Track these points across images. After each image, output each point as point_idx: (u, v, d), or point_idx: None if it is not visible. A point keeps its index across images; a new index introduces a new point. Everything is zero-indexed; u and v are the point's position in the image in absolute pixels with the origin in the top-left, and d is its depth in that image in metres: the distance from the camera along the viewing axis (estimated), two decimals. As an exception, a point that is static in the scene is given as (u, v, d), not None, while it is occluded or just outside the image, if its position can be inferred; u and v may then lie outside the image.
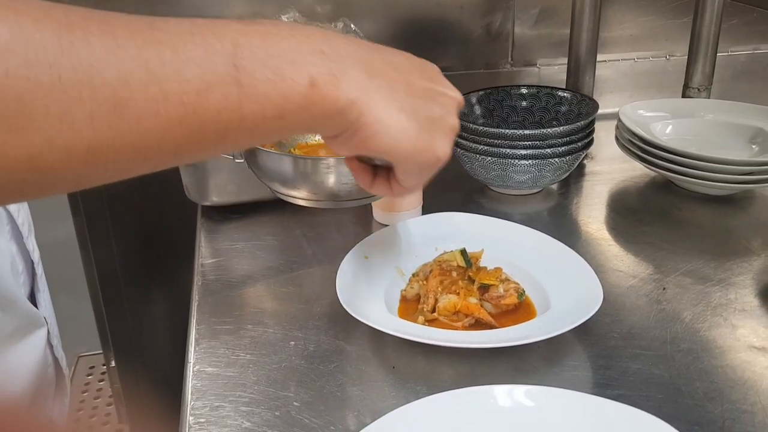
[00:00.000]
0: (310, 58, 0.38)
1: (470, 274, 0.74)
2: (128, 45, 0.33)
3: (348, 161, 0.54)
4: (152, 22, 0.35)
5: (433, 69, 0.50)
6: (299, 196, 0.75)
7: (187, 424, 0.60)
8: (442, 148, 0.46)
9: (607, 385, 0.64)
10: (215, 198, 0.97)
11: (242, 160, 0.78)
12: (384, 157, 0.46)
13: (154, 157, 0.35)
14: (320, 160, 0.72)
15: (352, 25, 1.09)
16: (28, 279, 0.72)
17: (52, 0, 0.33)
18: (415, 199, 0.92)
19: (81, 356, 2.04)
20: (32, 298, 0.75)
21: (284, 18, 1.11)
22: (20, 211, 0.74)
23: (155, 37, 0.34)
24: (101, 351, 1.40)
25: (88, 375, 2.00)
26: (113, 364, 1.40)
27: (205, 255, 0.89)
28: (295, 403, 0.62)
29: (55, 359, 0.71)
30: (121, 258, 1.29)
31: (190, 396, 0.64)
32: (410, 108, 0.43)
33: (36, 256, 0.74)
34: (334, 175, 0.71)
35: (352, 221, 0.94)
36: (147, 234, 1.30)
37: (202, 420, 0.61)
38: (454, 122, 0.48)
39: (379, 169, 0.52)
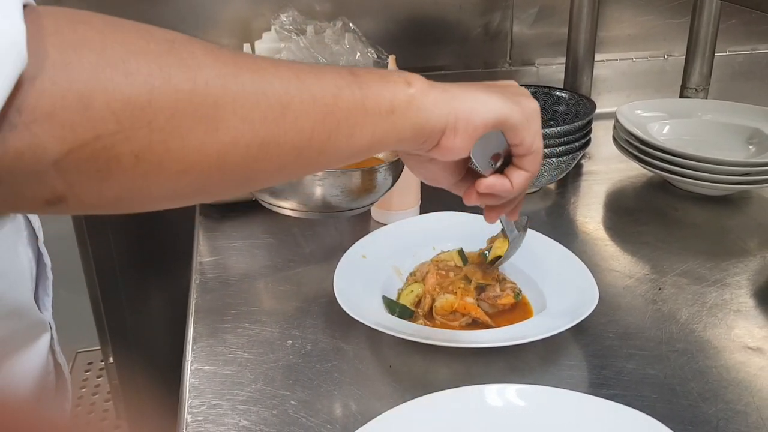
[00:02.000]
0: (400, 77, 0.49)
1: (467, 273, 0.74)
2: (282, 67, 0.43)
3: (479, 186, 0.56)
4: (299, 64, 0.45)
5: (508, 83, 0.57)
6: (288, 206, 0.75)
7: (185, 422, 0.61)
8: (528, 102, 0.53)
9: (602, 385, 0.64)
10: (214, 196, 0.98)
11: None
12: (493, 127, 0.51)
13: (306, 154, 0.44)
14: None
15: (350, 24, 1.09)
16: (33, 283, 0.72)
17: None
18: (413, 198, 0.92)
19: (79, 352, 2.05)
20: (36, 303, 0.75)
21: (282, 16, 1.11)
22: (36, 215, 0.73)
23: (293, 67, 0.44)
24: (99, 347, 1.41)
25: (86, 371, 2.00)
26: (111, 360, 1.40)
27: (203, 253, 0.89)
28: (293, 402, 0.63)
29: (57, 364, 0.71)
30: (119, 254, 1.29)
31: (188, 394, 0.64)
32: (484, 89, 0.52)
33: (48, 260, 0.74)
34: (323, 187, 0.72)
35: (349, 220, 0.95)
36: (145, 230, 1.30)
37: (200, 418, 0.61)
38: (526, 93, 0.54)
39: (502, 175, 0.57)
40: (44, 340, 0.68)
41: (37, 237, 0.71)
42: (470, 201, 0.58)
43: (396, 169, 0.79)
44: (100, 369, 1.98)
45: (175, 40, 0.38)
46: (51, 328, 0.72)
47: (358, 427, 0.55)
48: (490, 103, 0.50)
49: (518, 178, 0.55)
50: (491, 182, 0.55)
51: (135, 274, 1.32)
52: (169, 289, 1.35)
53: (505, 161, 0.56)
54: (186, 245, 0.99)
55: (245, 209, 0.98)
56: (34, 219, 0.72)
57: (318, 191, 0.73)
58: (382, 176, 0.77)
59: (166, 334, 1.38)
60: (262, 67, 0.42)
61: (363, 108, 0.46)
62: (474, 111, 0.50)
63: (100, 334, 1.38)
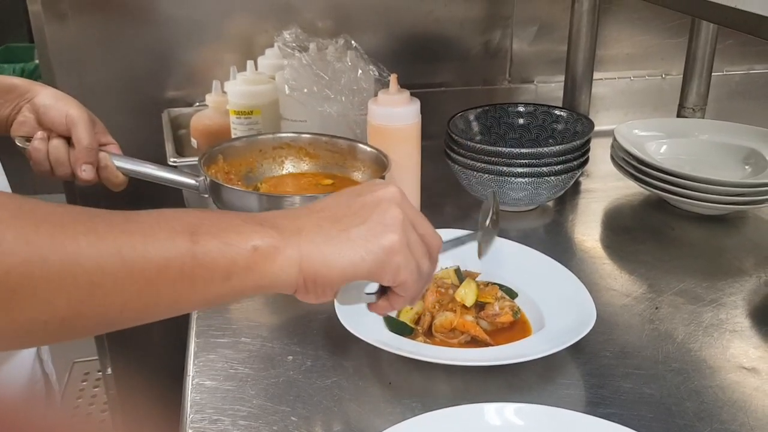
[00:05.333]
0: (253, 227, 0.46)
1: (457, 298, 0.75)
2: (107, 237, 0.41)
3: (371, 308, 0.57)
4: (129, 215, 0.43)
5: (363, 185, 0.55)
6: None
7: (186, 437, 0.61)
8: (386, 239, 0.50)
9: (599, 404, 0.65)
10: (214, 207, 0.98)
11: (207, 195, 0.80)
12: (346, 281, 0.50)
13: (116, 323, 0.43)
14: (285, 198, 0.73)
15: (352, 42, 1.10)
16: None
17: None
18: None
19: (76, 362, 2.05)
20: None
21: (285, 33, 1.12)
22: None
23: (129, 228, 0.42)
24: (96, 357, 1.41)
25: (83, 381, 2.00)
26: (110, 371, 1.41)
27: (204, 267, 0.90)
28: (293, 418, 0.63)
29: (45, 375, 0.71)
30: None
31: (189, 409, 0.65)
32: (336, 232, 0.49)
33: None
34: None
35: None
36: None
37: (201, 433, 0.62)
38: (392, 211, 0.51)
39: (383, 295, 0.56)
40: (28, 351, 0.69)
41: None
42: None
43: None
44: (97, 379, 1.98)
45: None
46: None
47: (358, 444, 0.56)
48: (337, 263, 0.48)
49: (399, 302, 0.55)
50: (376, 309, 0.57)
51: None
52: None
53: None
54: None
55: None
56: None
57: None
58: None
59: (165, 346, 1.39)
60: (87, 239, 0.40)
61: (192, 278, 0.43)
62: (319, 274, 0.48)
63: (99, 345, 1.38)
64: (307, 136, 0.94)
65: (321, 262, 0.48)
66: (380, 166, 0.85)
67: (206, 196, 0.81)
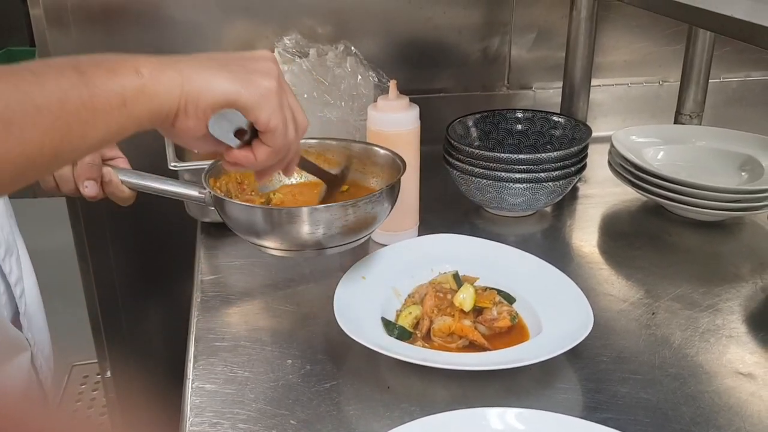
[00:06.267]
0: (134, 59, 0.50)
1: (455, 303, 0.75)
2: (8, 80, 0.44)
3: (226, 154, 0.59)
4: (7, 66, 0.45)
5: (252, 52, 0.59)
6: (273, 246, 0.75)
7: (186, 441, 0.62)
8: (264, 82, 0.55)
9: (596, 408, 0.65)
10: (215, 215, 0.99)
11: (213, 208, 0.79)
12: (222, 107, 0.53)
13: (39, 161, 0.45)
14: (293, 211, 0.71)
15: (352, 48, 1.11)
16: (9, 301, 0.72)
17: None
18: (412, 219, 0.93)
19: (75, 365, 2.05)
20: (17, 320, 0.75)
21: (285, 39, 1.13)
22: None
23: (23, 74, 0.45)
24: (96, 360, 1.41)
25: (82, 384, 2.00)
26: (109, 374, 1.41)
27: (204, 271, 0.90)
28: (292, 422, 0.64)
29: (39, 382, 0.72)
30: (120, 269, 1.30)
31: (189, 412, 0.65)
32: (216, 64, 0.53)
33: (13, 277, 0.74)
34: (308, 225, 0.71)
35: (349, 240, 0.96)
36: (146, 247, 1.31)
37: (201, 437, 0.62)
38: (268, 65, 0.56)
39: (246, 146, 0.59)
40: (23, 359, 0.69)
41: None
42: (227, 167, 0.61)
43: (391, 195, 0.78)
44: (96, 383, 1.98)
45: None
46: (30, 345, 0.72)
47: (357, 448, 0.57)
48: (218, 85, 0.52)
49: (261, 153, 0.58)
50: (234, 156, 0.59)
51: (135, 290, 1.33)
52: (169, 305, 1.36)
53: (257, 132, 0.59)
54: (185, 262, 1.00)
55: (246, 228, 0.99)
56: None
57: (304, 229, 0.72)
58: (374, 207, 0.75)
59: (164, 349, 1.39)
60: None
61: (92, 107, 0.46)
62: (201, 94, 0.51)
63: (98, 348, 1.38)
64: (322, 141, 0.90)
65: (203, 82, 0.51)
66: (395, 170, 0.82)
67: (213, 208, 0.80)
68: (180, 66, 0.51)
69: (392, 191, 0.77)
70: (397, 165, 0.82)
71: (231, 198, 0.80)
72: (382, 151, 0.85)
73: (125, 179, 0.77)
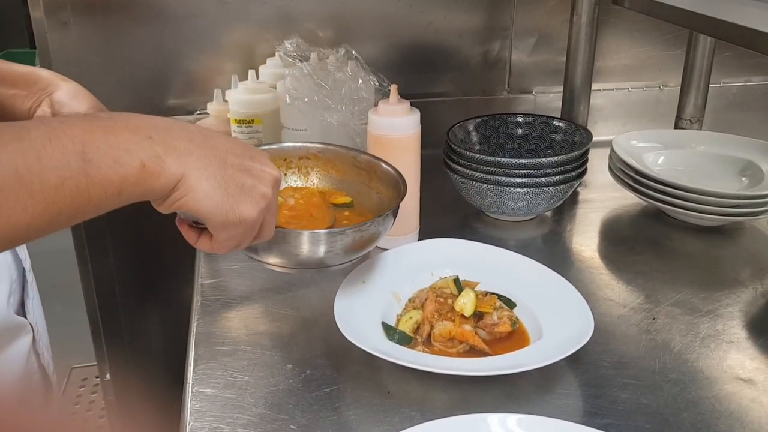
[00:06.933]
0: (141, 144, 0.49)
1: (456, 307, 0.75)
2: (2, 157, 0.42)
3: (178, 223, 0.62)
4: (17, 131, 0.44)
5: (256, 151, 0.59)
6: (272, 262, 0.75)
7: (186, 445, 0.62)
8: (247, 211, 0.55)
9: (596, 414, 0.65)
10: (215, 218, 0.99)
11: None
12: (194, 215, 0.54)
13: (22, 240, 0.46)
14: (293, 233, 0.70)
15: (353, 52, 1.11)
16: (18, 287, 0.73)
17: None
18: (413, 224, 0.93)
19: (74, 368, 2.04)
20: (22, 305, 0.76)
21: (286, 43, 1.13)
22: None
23: (22, 147, 0.43)
24: (95, 363, 1.41)
25: (81, 387, 2.00)
26: (108, 377, 1.41)
27: (204, 275, 0.90)
28: (292, 426, 0.64)
29: (41, 367, 0.72)
30: (120, 272, 1.30)
31: (189, 417, 0.65)
32: (220, 177, 0.53)
33: (27, 264, 0.75)
34: (308, 246, 0.71)
35: (349, 244, 0.96)
36: (146, 250, 1.31)
37: (201, 441, 0.62)
38: (266, 191, 0.57)
39: (206, 230, 0.60)
40: (23, 342, 0.69)
41: None
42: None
43: (393, 216, 0.76)
44: (95, 385, 1.98)
45: None
46: (33, 330, 0.73)
47: (357, 453, 0.56)
48: (208, 201, 0.52)
49: (216, 243, 0.58)
50: (193, 239, 0.60)
51: (135, 292, 1.33)
52: (169, 309, 1.35)
53: None
54: (185, 265, 1.00)
55: (246, 232, 0.99)
56: None
57: (310, 252, 0.72)
58: (378, 228, 0.74)
59: (164, 353, 1.39)
60: None
61: (87, 196, 0.46)
62: (189, 200, 0.52)
63: (97, 351, 1.38)
64: (327, 147, 0.88)
65: (194, 192, 0.51)
66: (397, 189, 0.80)
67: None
68: (187, 164, 0.51)
69: (395, 213, 0.77)
70: (399, 186, 0.80)
71: None
72: (386, 168, 0.84)
73: None
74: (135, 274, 1.32)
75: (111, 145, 0.47)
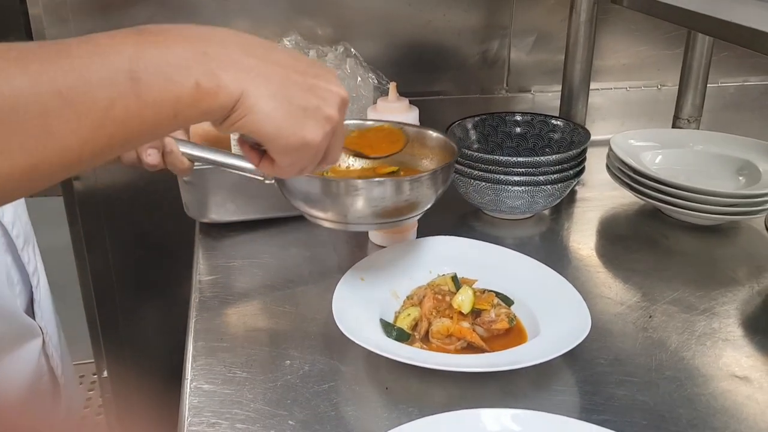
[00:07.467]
0: (195, 60, 0.45)
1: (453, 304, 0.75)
2: (42, 78, 0.39)
3: (240, 143, 0.58)
4: (60, 49, 0.41)
5: (322, 67, 0.55)
6: (324, 217, 0.75)
7: (185, 440, 0.62)
8: (311, 133, 0.51)
9: (593, 410, 0.66)
10: (214, 216, 0.99)
11: (272, 181, 0.79)
12: (255, 137, 0.51)
13: (76, 167, 0.42)
14: (349, 181, 0.72)
15: (352, 49, 1.11)
16: (25, 290, 0.73)
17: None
18: (410, 221, 0.94)
19: (72, 365, 2.04)
20: (31, 309, 0.76)
21: (285, 40, 1.13)
22: (15, 223, 0.75)
23: (64, 65, 0.40)
24: (92, 360, 1.41)
25: (78, 384, 2.00)
26: (106, 374, 1.41)
27: (203, 272, 0.90)
28: (290, 422, 0.64)
29: (51, 369, 0.72)
30: (117, 269, 1.31)
31: (187, 412, 0.66)
32: (282, 96, 0.49)
33: (31, 267, 0.75)
34: (363, 198, 0.71)
35: (348, 242, 0.96)
36: (143, 247, 1.31)
37: (199, 436, 0.62)
38: (331, 113, 0.53)
39: (267, 153, 0.57)
40: (34, 345, 0.70)
41: (16, 247, 0.72)
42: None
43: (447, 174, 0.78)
44: (92, 382, 1.98)
45: None
46: (43, 333, 0.73)
47: (355, 449, 0.57)
48: (269, 121, 0.49)
49: (278, 167, 0.55)
50: (255, 161, 0.57)
51: (132, 289, 1.33)
52: (166, 306, 1.36)
53: None
54: (182, 263, 1.01)
55: (244, 229, 0.99)
56: (13, 228, 0.73)
57: (359, 202, 0.72)
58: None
59: (161, 349, 1.39)
60: (23, 79, 0.39)
61: (141, 119, 0.43)
62: (249, 120, 0.48)
63: (95, 348, 1.39)
64: (372, 123, 0.89)
65: (254, 113, 0.48)
66: (448, 152, 0.83)
67: (270, 181, 0.80)
68: (246, 81, 0.47)
69: (448, 171, 0.78)
70: (450, 147, 0.83)
71: None
72: (434, 134, 0.87)
73: (186, 150, 0.77)
74: (133, 270, 1.32)
75: (162, 62, 0.43)
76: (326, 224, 0.77)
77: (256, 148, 0.57)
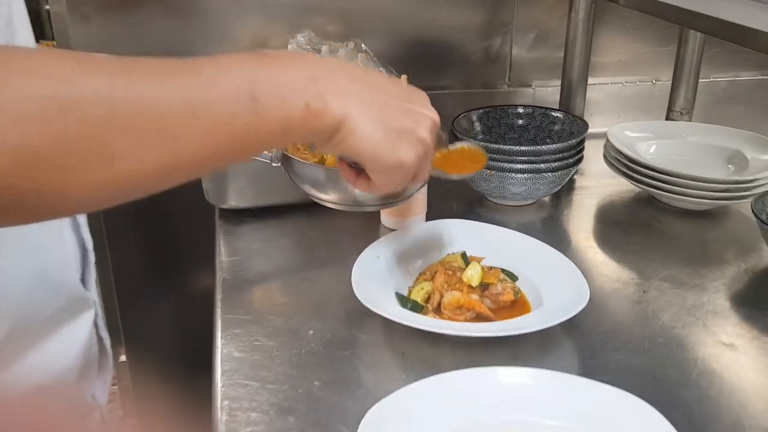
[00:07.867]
0: (306, 83, 0.49)
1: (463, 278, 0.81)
2: (174, 89, 0.43)
3: (338, 161, 0.64)
4: (190, 66, 0.45)
5: (416, 93, 0.60)
6: (328, 199, 0.81)
7: (219, 398, 0.68)
8: (405, 155, 0.56)
9: (592, 373, 0.71)
10: (233, 202, 1.05)
11: (279, 164, 0.85)
12: (353, 158, 0.56)
13: (194, 173, 0.47)
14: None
15: (362, 45, 1.17)
16: (79, 265, 0.79)
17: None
18: (421, 206, 1.00)
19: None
20: (83, 283, 0.81)
21: (299, 36, 1.19)
22: None
23: (194, 81, 0.44)
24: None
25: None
26: (123, 358, 1.46)
27: (224, 254, 0.96)
28: (316, 383, 0.70)
29: (100, 339, 0.78)
30: (136, 253, 1.35)
31: (219, 376, 0.71)
32: (380, 120, 0.53)
33: (90, 245, 0.81)
34: None
35: (361, 226, 1.02)
36: (162, 232, 1.36)
37: (233, 395, 0.68)
38: (424, 135, 0.57)
39: (364, 171, 0.62)
40: (88, 316, 0.75)
41: (79, 225, 0.77)
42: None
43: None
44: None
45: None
46: (95, 305, 0.78)
47: (375, 402, 0.63)
48: (369, 142, 0.53)
49: (374, 185, 0.60)
50: (351, 178, 0.63)
51: (152, 274, 1.38)
52: (186, 292, 1.41)
53: None
54: (201, 248, 1.06)
55: (262, 215, 1.05)
56: None
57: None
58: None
59: (179, 335, 1.44)
60: (153, 86, 0.43)
61: (256, 134, 0.47)
62: (350, 140, 0.52)
63: (112, 332, 1.43)
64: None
65: (355, 134, 0.51)
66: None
67: (277, 165, 0.86)
68: (350, 105, 0.51)
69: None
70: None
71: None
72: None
73: None
74: (152, 256, 1.37)
75: (278, 84, 0.47)
76: (331, 206, 0.83)
77: (354, 167, 0.62)
